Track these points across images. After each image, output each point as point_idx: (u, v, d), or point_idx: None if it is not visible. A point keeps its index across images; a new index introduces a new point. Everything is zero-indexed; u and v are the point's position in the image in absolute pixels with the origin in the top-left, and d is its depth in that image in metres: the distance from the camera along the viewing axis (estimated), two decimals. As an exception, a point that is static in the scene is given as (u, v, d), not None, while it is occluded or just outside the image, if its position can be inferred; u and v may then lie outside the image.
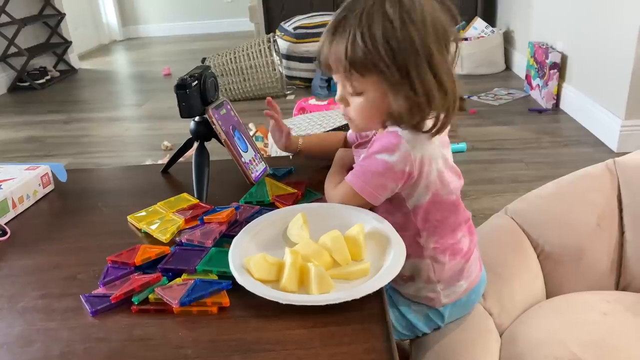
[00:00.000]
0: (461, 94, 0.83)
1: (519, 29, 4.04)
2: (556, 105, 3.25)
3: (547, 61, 3.19)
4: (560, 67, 3.18)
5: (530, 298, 1.10)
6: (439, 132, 0.81)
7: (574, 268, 1.12)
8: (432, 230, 0.90)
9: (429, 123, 0.81)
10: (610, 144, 2.62)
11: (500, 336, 1.01)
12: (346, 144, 1.08)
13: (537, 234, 1.15)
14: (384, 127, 0.86)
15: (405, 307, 0.96)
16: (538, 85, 3.39)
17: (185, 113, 1.00)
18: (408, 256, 0.85)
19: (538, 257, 1.14)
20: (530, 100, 3.45)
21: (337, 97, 0.86)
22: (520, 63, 3.87)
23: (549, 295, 1.12)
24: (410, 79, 0.77)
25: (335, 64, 0.80)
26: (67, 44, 5.27)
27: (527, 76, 3.57)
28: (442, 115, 0.80)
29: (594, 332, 0.96)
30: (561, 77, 3.21)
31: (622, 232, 1.12)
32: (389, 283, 0.93)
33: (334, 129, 1.73)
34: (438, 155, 0.85)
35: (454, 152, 0.97)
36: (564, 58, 3.18)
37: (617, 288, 1.13)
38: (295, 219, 0.84)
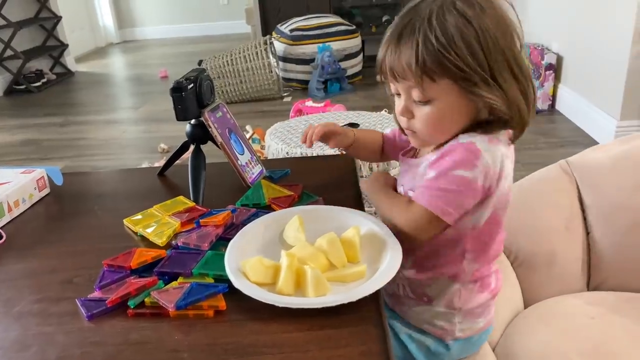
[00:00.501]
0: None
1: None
2: (552, 106, 3.26)
3: (543, 62, 3.20)
4: (556, 68, 3.19)
5: (512, 308, 1.09)
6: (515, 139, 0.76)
7: (547, 273, 1.12)
8: (477, 254, 0.84)
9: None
10: (601, 144, 2.63)
11: (493, 350, 1.01)
12: (384, 143, 1.00)
13: (509, 242, 1.12)
14: (452, 138, 0.79)
15: (407, 336, 0.90)
16: (533, 81, 3.39)
17: (181, 116, 1.00)
18: (440, 275, 0.83)
19: (512, 264, 1.13)
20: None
21: (399, 109, 0.78)
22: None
23: (525, 302, 1.12)
24: (494, 80, 0.71)
25: (402, 70, 0.73)
26: (63, 46, 5.27)
27: (523, 77, 3.58)
28: (523, 122, 0.74)
29: (589, 339, 0.96)
30: (557, 78, 3.22)
31: (587, 233, 1.13)
32: (391, 309, 0.92)
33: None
34: (511, 170, 0.78)
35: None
36: (559, 59, 3.19)
37: (588, 289, 1.14)
38: (292, 222, 0.83)
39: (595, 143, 2.70)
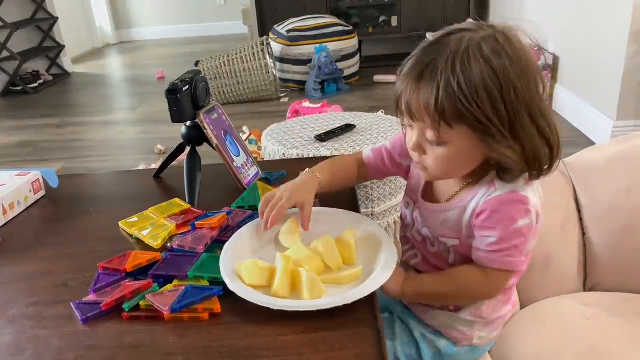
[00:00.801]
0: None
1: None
2: (549, 106, 3.26)
3: (540, 63, 3.21)
4: (553, 69, 3.20)
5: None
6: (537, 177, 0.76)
7: (543, 274, 1.11)
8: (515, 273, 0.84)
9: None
10: (597, 145, 2.63)
11: (489, 352, 1.01)
12: (360, 167, 0.96)
13: None
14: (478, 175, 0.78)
15: (420, 335, 0.90)
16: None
17: (177, 118, 1.00)
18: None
19: None
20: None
21: (412, 144, 0.76)
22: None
23: (522, 303, 1.12)
24: (513, 131, 0.69)
25: (419, 111, 0.71)
26: (60, 47, 5.25)
27: (519, 78, 3.59)
28: (545, 167, 0.74)
29: (584, 340, 0.96)
30: (553, 79, 3.22)
31: (583, 234, 1.13)
32: (407, 309, 0.93)
33: (332, 131, 1.73)
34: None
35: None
36: (556, 59, 3.19)
37: (584, 289, 1.14)
38: (286, 225, 0.83)
39: (592, 143, 2.71)
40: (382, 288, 0.75)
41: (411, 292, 0.81)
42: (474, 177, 0.79)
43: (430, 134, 0.72)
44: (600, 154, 1.14)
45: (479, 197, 0.77)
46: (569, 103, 3.05)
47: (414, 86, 0.71)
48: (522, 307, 1.12)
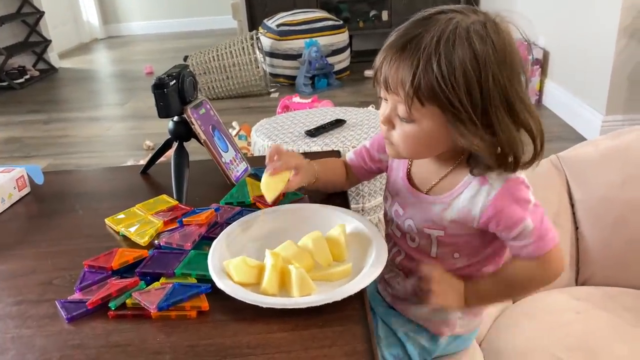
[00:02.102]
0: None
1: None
2: (539, 101, 3.27)
3: (530, 57, 3.22)
4: (542, 63, 3.21)
5: (500, 303, 1.10)
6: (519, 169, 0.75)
7: None
8: (494, 258, 0.85)
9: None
10: (591, 139, 2.65)
11: (480, 345, 1.01)
12: (349, 169, 0.96)
13: None
14: (444, 159, 0.78)
15: (404, 334, 0.90)
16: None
17: (163, 113, 0.98)
18: (462, 277, 0.84)
19: None
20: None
21: (382, 117, 0.76)
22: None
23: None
24: (486, 119, 0.69)
25: (395, 85, 0.71)
26: (46, 42, 5.19)
27: (509, 72, 3.59)
28: (526, 159, 0.73)
29: (574, 334, 0.97)
30: (543, 74, 3.24)
31: (576, 228, 1.13)
32: (390, 306, 0.93)
33: (322, 126, 1.72)
34: None
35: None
36: (546, 54, 3.20)
37: (577, 283, 1.14)
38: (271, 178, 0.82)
39: (582, 138, 2.72)
40: (448, 307, 0.81)
41: (475, 301, 0.83)
42: (453, 167, 0.78)
43: (401, 110, 0.72)
44: (594, 149, 1.14)
45: (471, 197, 0.75)
46: (559, 98, 3.06)
47: (395, 57, 0.70)
48: (513, 301, 1.12)
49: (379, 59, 0.74)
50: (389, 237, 0.91)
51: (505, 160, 0.72)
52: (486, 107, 0.68)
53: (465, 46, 0.67)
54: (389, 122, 0.76)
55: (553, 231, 0.77)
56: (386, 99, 0.76)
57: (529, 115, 0.72)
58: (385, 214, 0.92)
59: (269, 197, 0.83)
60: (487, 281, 0.82)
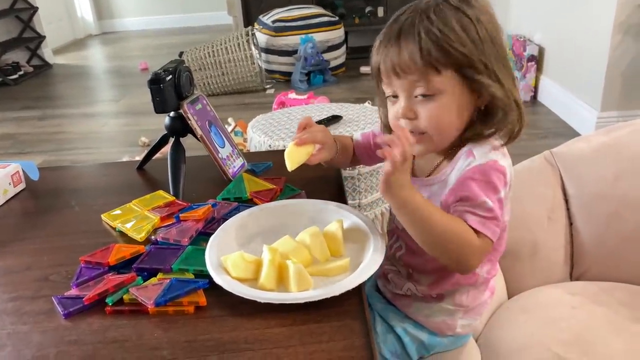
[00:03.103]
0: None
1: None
2: (534, 97, 3.28)
3: (525, 54, 3.22)
4: (538, 60, 3.21)
5: (496, 299, 1.09)
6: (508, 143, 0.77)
7: (531, 263, 1.12)
8: (490, 259, 0.85)
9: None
10: (585, 135, 2.65)
11: (476, 341, 1.01)
12: (355, 149, 0.97)
13: None
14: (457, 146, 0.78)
15: (402, 329, 0.89)
16: (516, 77, 3.41)
17: (160, 108, 0.98)
18: (457, 285, 0.84)
19: None
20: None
21: (401, 110, 0.75)
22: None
23: (509, 293, 1.13)
24: (493, 74, 0.72)
25: (406, 65, 0.72)
26: (40, 38, 5.16)
27: (505, 69, 3.60)
28: (521, 115, 0.75)
29: (569, 329, 0.97)
30: (539, 70, 3.24)
31: (570, 223, 1.14)
32: (388, 302, 0.93)
33: (318, 122, 1.72)
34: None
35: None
36: (541, 50, 3.21)
37: (571, 278, 1.15)
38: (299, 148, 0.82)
39: (577, 134, 2.73)
40: (388, 183, 0.69)
41: (416, 200, 0.71)
42: (452, 150, 0.79)
43: (420, 89, 0.73)
44: (587, 144, 1.14)
45: (459, 168, 0.76)
46: (554, 94, 3.06)
47: (394, 44, 0.72)
48: (509, 296, 1.12)
49: (377, 55, 0.76)
50: (391, 232, 0.91)
51: (502, 119, 0.74)
52: (489, 58, 0.72)
53: (453, 10, 0.71)
54: (411, 111, 0.75)
55: (498, 231, 0.74)
56: (395, 96, 0.76)
57: (511, 80, 0.75)
58: (391, 210, 0.90)
59: (291, 166, 0.82)
60: (428, 203, 0.72)
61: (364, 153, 0.96)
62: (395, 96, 0.76)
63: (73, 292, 0.74)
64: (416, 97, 0.74)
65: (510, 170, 0.77)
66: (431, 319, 0.89)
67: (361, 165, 1.56)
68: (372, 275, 0.71)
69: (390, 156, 0.68)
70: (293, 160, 0.82)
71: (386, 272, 0.93)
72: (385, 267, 0.93)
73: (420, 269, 0.86)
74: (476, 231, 0.71)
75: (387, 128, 0.85)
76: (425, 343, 0.90)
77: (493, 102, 0.74)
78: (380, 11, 4.55)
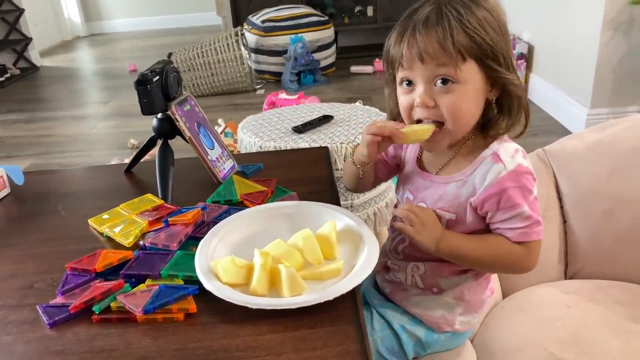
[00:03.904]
0: None
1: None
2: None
3: (515, 52, 3.22)
4: (528, 58, 3.22)
5: (491, 298, 1.09)
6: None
7: None
8: None
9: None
10: (577, 132, 2.66)
11: (472, 342, 1.00)
12: (376, 167, 0.95)
13: None
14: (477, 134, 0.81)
15: (400, 326, 0.89)
16: None
17: (147, 110, 0.96)
18: (463, 271, 0.86)
19: None
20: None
21: (420, 98, 0.76)
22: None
23: (504, 292, 1.12)
24: (512, 66, 0.76)
25: (433, 52, 0.73)
26: (27, 40, 5.10)
27: (495, 67, 3.61)
28: (527, 111, 0.80)
29: (564, 328, 0.96)
30: (528, 68, 3.25)
31: (564, 221, 1.13)
32: (386, 299, 0.93)
33: (309, 122, 1.70)
34: None
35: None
36: (530, 48, 3.21)
37: (565, 277, 1.14)
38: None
39: (567, 131, 2.73)
40: (417, 242, 0.79)
41: (447, 249, 0.79)
42: (463, 146, 0.81)
43: (442, 76, 0.74)
44: (579, 142, 1.14)
45: (483, 173, 0.78)
46: (544, 92, 3.07)
47: (422, 31, 0.73)
48: (504, 295, 1.11)
49: (398, 44, 0.76)
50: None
51: (517, 111, 0.78)
52: (509, 52, 0.76)
53: (473, 3, 0.75)
54: (430, 99, 0.76)
55: (541, 228, 0.80)
56: (410, 83, 0.77)
57: (516, 75, 0.78)
58: (396, 206, 0.91)
59: (411, 139, 0.79)
60: (467, 240, 0.80)
61: (383, 168, 0.95)
62: (410, 83, 0.78)
63: (58, 300, 0.72)
64: (435, 85, 0.75)
65: (532, 167, 0.80)
66: (430, 312, 0.89)
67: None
68: (367, 277, 0.70)
69: (404, 230, 0.79)
70: (417, 133, 0.78)
71: (385, 261, 0.93)
72: (385, 259, 0.93)
73: (420, 259, 0.87)
74: (520, 242, 0.78)
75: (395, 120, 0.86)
76: (422, 340, 0.89)
77: (509, 92, 0.77)
78: (370, 11, 4.54)
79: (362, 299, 0.95)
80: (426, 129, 0.78)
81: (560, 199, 1.13)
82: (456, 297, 0.88)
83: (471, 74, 0.75)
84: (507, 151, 0.78)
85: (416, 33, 0.74)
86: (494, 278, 0.94)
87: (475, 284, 0.88)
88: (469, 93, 0.75)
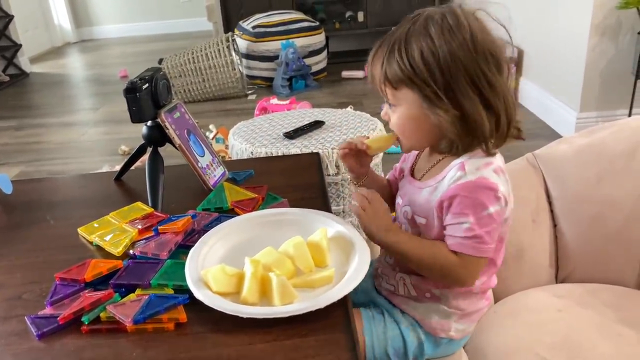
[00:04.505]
0: (518, 121, 0.82)
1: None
2: (514, 99, 3.30)
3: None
4: (517, 62, 3.24)
5: None
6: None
7: (517, 266, 1.12)
8: (484, 270, 0.86)
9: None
10: (567, 136, 2.68)
11: (464, 347, 1.00)
12: (391, 187, 1.00)
13: None
14: (439, 151, 0.84)
15: (407, 327, 0.91)
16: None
17: (136, 118, 0.95)
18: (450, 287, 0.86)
19: None
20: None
21: (382, 112, 0.86)
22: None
23: (496, 297, 1.12)
24: (454, 97, 0.75)
25: (374, 79, 0.81)
26: (16, 47, 5.06)
27: (485, 71, 3.63)
28: (490, 142, 0.78)
29: (556, 332, 0.97)
30: (518, 72, 3.27)
31: (554, 225, 1.14)
32: (387, 300, 0.94)
33: (301, 127, 1.70)
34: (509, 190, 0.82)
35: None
36: (520, 53, 3.24)
37: (557, 281, 1.15)
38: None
39: (557, 135, 2.75)
40: (365, 228, 0.82)
41: (391, 242, 0.82)
42: (444, 155, 0.83)
43: (385, 95, 0.82)
44: (568, 146, 1.15)
45: (448, 179, 0.80)
46: (533, 96, 3.09)
47: (373, 55, 0.81)
48: (495, 300, 1.12)
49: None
50: None
51: (468, 136, 0.77)
52: (450, 85, 0.75)
53: (425, 36, 0.76)
54: (387, 115, 0.84)
55: (487, 247, 0.79)
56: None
57: (496, 97, 0.77)
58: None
59: (374, 148, 0.89)
60: (414, 239, 0.84)
61: (395, 184, 0.98)
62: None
63: (47, 311, 0.71)
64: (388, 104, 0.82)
65: (503, 185, 0.79)
66: (426, 318, 0.90)
67: (344, 171, 1.56)
68: (359, 284, 0.70)
69: (356, 213, 0.82)
70: (381, 140, 0.89)
71: (377, 267, 0.95)
72: (376, 264, 0.95)
73: (407, 271, 0.89)
74: (456, 252, 0.79)
75: None
76: (423, 343, 0.90)
77: (444, 127, 0.77)
78: (361, 16, 4.56)
79: (369, 300, 0.97)
80: (386, 138, 0.87)
81: (550, 203, 1.14)
82: (451, 306, 0.89)
83: (407, 100, 0.79)
84: (475, 163, 0.79)
85: (370, 59, 0.82)
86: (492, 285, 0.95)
87: (471, 293, 0.89)
88: (407, 115, 0.80)
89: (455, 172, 0.79)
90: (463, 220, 0.77)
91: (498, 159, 0.81)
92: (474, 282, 0.83)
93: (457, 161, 0.80)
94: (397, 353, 0.90)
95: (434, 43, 0.74)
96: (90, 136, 3.38)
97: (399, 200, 0.90)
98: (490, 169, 0.78)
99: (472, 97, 0.75)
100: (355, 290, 0.97)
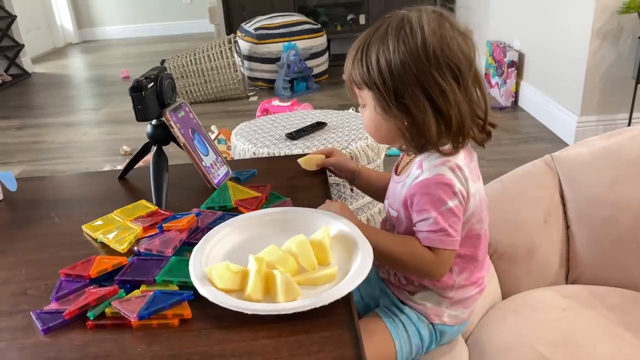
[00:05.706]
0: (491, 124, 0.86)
1: (477, 28, 4.10)
2: (515, 102, 3.31)
3: (505, 60, 3.26)
4: (518, 66, 3.25)
5: (488, 299, 1.10)
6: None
7: (527, 266, 1.13)
8: (463, 267, 0.89)
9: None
10: (567, 139, 2.69)
11: (466, 341, 1.01)
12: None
13: (489, 235, 1.13)
14: (400, 146, 0.87)
15: (418, 321, 0.92)
16: (497, 83, 3.45)
17: (142, 116, 0.96)
18: (433, 284, 0.89)
19: (491, 257, 1.14)
20: (489, 99, 3.51)
21: (359, 107, 0.90)
22: (479, 62, 3.92)
23: (504, 295, 1.13)
24: (404, 103, 0.78)
25: (346, 79, 0.86)
26: (19, 47, 5.08)
27: (486, 75, 3.64)
28: (446, 146, 0.81)
29: (557, 331, 0.97)
30: (519, 75, 3.28)
31: (567, 227, 1.14)
32: (393, 293, 0.95)
33: (303, 129, 1.71)
34: (476, 190, 0.84)
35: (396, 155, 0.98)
36: (521, 56, 3.24)
37: (567, 282, 1.15)
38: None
39: (557, 138, 2.76)
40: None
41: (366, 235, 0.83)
42: (412, 152, 0.86)
43: (355, 97, 0.87)
44: (586, 149, 1.14)
45: (411, 177, 0.84)
46: (534, 99, 3.10)
47: (346, 60, 0.85)
48: (503, 297, 1.12)
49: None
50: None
51: (419, 139, 0.80)
52: (400, 92, 0.78)
53: (383, 43, 0.79)
54: (362, 114, 0.89)
55: (455, 240, 0.82)
56: None
57: (448, 104, 0.78)
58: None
59: (303, 165, 1.06)
60: (388, 235, 0.87)
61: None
62: None
63: (53, 306, 0.71)
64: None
65: (460, 182, 0.81)
66: (420, 304, 0.92)
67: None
68: (363, 288, 0.71)
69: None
70: (310, 159, 1.06)
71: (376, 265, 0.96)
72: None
73: None
74: (428, 247, 0.81)
75: None
76: (434, 332, 0.92)
77: (404, 127, 0.80)
78: (362, 19, 4.57)
79: (374, 303, 0.99)
80: (310, 160, 1.06)
81: (564, 205, 1.14)
82: (441, 295, 0.91)
83: (369, 101, 0.84)
84: (432, 161, 0.82)
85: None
86: (486, 278, 0.95)
87: (457, 286, 0.90)
88: (368, 116, 0.85)
89: (415, 171, 0.84)
90: (426, 216, 0.81)
91: (458, 158, 0.82)
92: (444, 274, 0.85)
93: (417, 160, 0.85)
94: (417, 348, 0.92)
95: (389, 50, 0.78)
96: (91, 136, 3.38)
97: (387, 197, 0.94)
98: (447, 166, 0.81)
99: (422, 104, 0.78)
100: (362, 297, 0.99)
